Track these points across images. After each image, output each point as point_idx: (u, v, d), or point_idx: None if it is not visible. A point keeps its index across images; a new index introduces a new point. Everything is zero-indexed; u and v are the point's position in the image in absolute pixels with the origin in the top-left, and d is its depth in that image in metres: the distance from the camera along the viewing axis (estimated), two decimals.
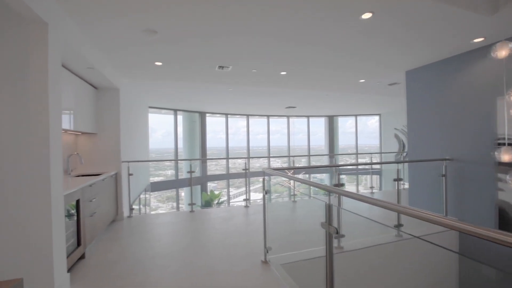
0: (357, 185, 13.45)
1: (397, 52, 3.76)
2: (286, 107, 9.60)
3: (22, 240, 1.94)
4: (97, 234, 3.30)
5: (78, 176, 3.74)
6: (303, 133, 13.13)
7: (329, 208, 1.67)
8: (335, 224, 2.86)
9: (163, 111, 10.02)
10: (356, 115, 12.58)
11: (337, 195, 2.94)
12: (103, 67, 3.54)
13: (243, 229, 3.85)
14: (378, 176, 12.47)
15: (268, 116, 12.18)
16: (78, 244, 2.75)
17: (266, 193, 2.77)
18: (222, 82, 5.18)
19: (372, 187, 7.32)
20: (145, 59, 3.72)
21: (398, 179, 3.45)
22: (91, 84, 4.06)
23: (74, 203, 2.69)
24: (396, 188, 3.45)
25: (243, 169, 5.13)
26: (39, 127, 2.00)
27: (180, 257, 2.91)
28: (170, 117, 10.10)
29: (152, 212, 11.37)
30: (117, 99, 4.34)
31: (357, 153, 12.64)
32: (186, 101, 8.17)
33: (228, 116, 11.32)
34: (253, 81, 5.23)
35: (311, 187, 9.96)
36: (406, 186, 6.96)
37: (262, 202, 3.00)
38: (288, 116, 12.50)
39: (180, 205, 10.23)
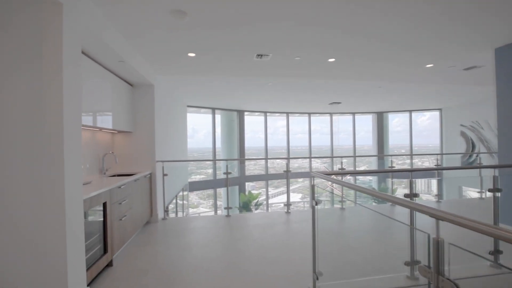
0: (411, 190, 11.88)
1: (483, 23, 2.87)
2: (330, 103, 8.79)
3: (31, 250, 1.70)
4: (129, 238, 3.09)
5: (112, 176, 3.62)
6: (344, 132, 12.05)
7: (437, 245, 1.06)
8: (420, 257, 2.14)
9: (202, 110, 10.00)
10: (410, 111, 11.09)
11: (409, 211, 2.23)
12: (132, 58, 3.34)
13: (285, 241, 3.32)
14: (437, 181, 10.81)
15: (309, 114, 11.43)
16: (105, 251, 2.53)
17: (316, 204, 2.21)
18: (261, 74, 4.71)
19: (437, 195, 6.16)
20: (176, 48, 3.44)
21: (494, 189, 2.58)
22: (126, 81, 3.93)
23: (100, 206, 2.46)
24: (492, 201, 2.58)
25: (284, 171, 4.60)
26: (51, 122, 1.74)
27: (210, 275, 2.51)
28: (209, 117, 10.03)
29: (192, 210, 11.50)
30: (152, 96, 4.17)
31: (411, 154, 11.14)
32: (223, 99, 7.93)
33: (267, 114, 10.87)
34: (295, 72, 4.66)
35: (357, 191, 9.01)
36: (485, 195, 5.68)
37: (303, 206, 2.43)
38: (331, 114, 11.58)
39: (218, 204, 10.10)
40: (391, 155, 9.91)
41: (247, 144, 10.58)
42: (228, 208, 4.36)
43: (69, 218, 1.78)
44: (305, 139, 11.90)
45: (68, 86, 1.83)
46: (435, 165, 6.51)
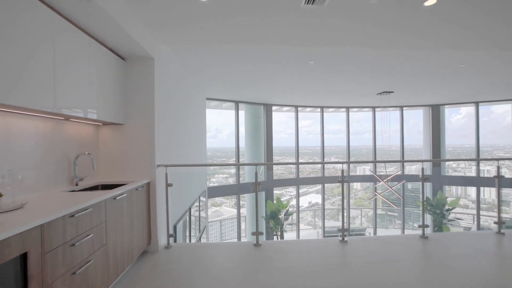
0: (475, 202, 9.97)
1: None
2: (379, 93, 7.14)
3: None
4: None
5: (88, 188, 2.44)
6: (384, 131, 10.17)
7: None
8: None
9: (224, 105, 8.81)
10: (477, 102, 9.02)
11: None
12: (114, 4, 2.11)
13: None
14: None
15: (347, 108, 9.78)
16: None
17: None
18: (308, 39, 3.29)
19: None
20: None
21: None
22: (115, 52, 2.75)
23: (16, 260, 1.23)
24: None
25: (339, 180, 3.16)
26: None
27: None
28: (232, 113, 8.81)
29: (214, 209, 10.38)
30: (152, 74, 2.95)
31: (478, 159, 9.06)
32: (248, 89, 6.63)
33: (298, 108, 9.41)
34: (367, 32, 3.20)
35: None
36: None
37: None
38: (373, 108, 9.83)
39: (241, 213, 8.83)
40: (458, 160, 7.97)
41: (275, 143, 9.21)
42: (257, 234, 3.02)
43: None
44: (338, 138, 10.27)
45: None
46: None
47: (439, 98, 8.68)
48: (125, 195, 2.30)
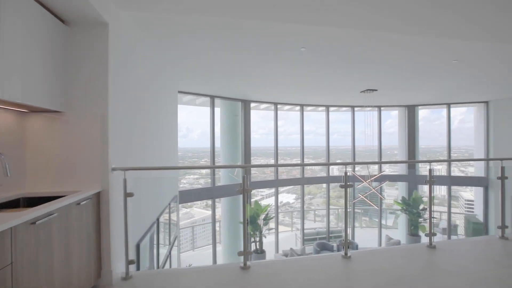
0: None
1: None
2: (363, 91, 6.90)
3: None
4: None
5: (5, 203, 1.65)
6: (339, 133, 10.14)
7: None
8: None
9: (198, 100, 8.03)
10: (448, 104, 9.29)
11: None
12: None
13: None
14: (483, 189, 9.03)
15: (327, 107, 9.53)
16: None
17: None
18: (302, 12, 2.75)
19: None
20: None
21: None
22: (52, 13, 1.95)
23: None
24: None
25: (341, 185, 2.66)
26: None
27: None
28: (206, 110, 8.06)
29: (183, 213, 9.51)
30: (104, 46, 2.19)
31: (449, 160, 9.34)
32: (226, 80, 5.96)
33: (278, 106, 8.93)
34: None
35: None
36: None
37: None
38: (353, 107, 9.70)
39: (217, 215, 8.11)
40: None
41: (252, 143, 8.63)
42: (245, 254, 2.40)
43: None
44: (308, 139, 10.01)
45: None
46: None
47: (415, 99, 8.77)
48: (54, 215, 1.54)
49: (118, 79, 2.37)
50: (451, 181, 9.48)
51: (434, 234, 2.93)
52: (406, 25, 3.02)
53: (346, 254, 2.64)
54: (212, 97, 7.34)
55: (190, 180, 10.67)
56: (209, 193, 7.34)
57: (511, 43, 3.49)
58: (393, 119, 12.22)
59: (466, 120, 11.40)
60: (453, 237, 9.39)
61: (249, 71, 5.24)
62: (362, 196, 6.79)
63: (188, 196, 6.86)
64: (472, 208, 10.40)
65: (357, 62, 4.50)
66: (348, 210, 10.70)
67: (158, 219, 3.83)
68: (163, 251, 4.37)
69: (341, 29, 3.21)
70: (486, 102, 8.89)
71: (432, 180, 2.99)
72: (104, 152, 2.14)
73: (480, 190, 9.22)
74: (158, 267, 3.71)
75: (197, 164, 10.30)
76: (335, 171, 11.14)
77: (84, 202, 1.87)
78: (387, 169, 10.04)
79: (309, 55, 4.10)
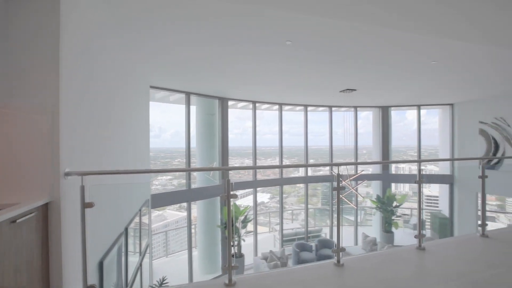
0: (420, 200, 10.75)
1: None
2: (342, 90, 6.89)
3: None
4: None
5: None
6: (311, 133, 10.31)
7: None
8: None
9: (172, 97, 7.52)
10: (419, 106, 9.71)
11: None
12: None
13: None
14: (448, 186, 9.57)
15: (305, 107, 9.48)
16: None
17: None
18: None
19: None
20: None
21: None
22: None
23: None
24: None
25: (335, 188, 2.46)
26: None
27: None
28: (180, 108, 7.58)
29: (155, 215, 8.91)
30: (55, 21, 1.76)
31: (419, 161, 9.77)
32: (203, 74, 5.57)
33: (256, 104, 8.69)
34: None
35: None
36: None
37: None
38: (330, 107, 9.76)
39: (191, 219, 7.65)
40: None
41: (230, 143, 8.29)
42: (230, 269, 2.09)
43: None
44: (285, 139, 9.95)
45: None
46: None
47: (389, 100, 9.03)
48: None
49: (75, 65, 1.95)
50: (421, 179, 9.92)
51: (423, 236, 2.86)
52: (398, 20, 2.92)
53: (338, 261, 2.44)
54: (188, 94, 6.88)
55: (162, 182, 10.06)
56: (185, 196, 6.88)
57: (500, 43, 3.57)
58: (362, 120, 12.77)
59: (425, 122, 12.33)
60: (423, 232, 9.83)
61: (229, 66, 4.92)
62: (341, 196, 6.78)
63: (162, 200, 6.35)
64: (437, 204, 11.04)
65: (341, 58, 4.38)
66: (328, 209, 10.93)
67: (126, 229, 3.38)
68: (134, 262, 3.90)
69: (328, 20, 3.03)
70: (452, 105, 9.43)
71: (422, 180, 2.91)
72: (54, 153, 1.72)
73: (446, 187, 9.76)
74: (127, 285, 3.26)
75: (173, 167, 9.72)
76: (309, 170, 11.22)
77: (24, 218, 1.45)
78: (363, 169, 10.28)
79: (294, 49, 3.89)
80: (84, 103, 2.18)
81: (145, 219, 4.91)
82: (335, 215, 11.66)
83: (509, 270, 2.34)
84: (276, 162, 11.07)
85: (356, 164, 9.68)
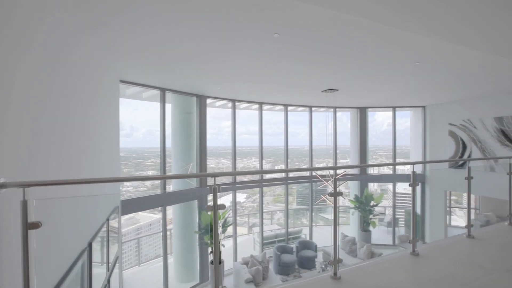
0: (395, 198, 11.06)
1: None
2: (324, 90, 6.81)
3: None
4: None
5: None
6: (290, 134, 10.34)
7: None
8: None
9: (145, 94, 6.95)
10: (394, 107, 10.01)
11: None
12: None
13: None
14: (420, 184, 9.98)
15: (285, 106, 9.34)
16: None
17: None
18: None
19: None
20: None
21: None
22: None
23: None
24: None
25: (331, 193, 2.24)
26: None
27: None
28: (153, 106, 7.04)
29: (126, 219, 8.23)
30: None
31: (394, 163, 10.08)
32: (180, 69, 5.15)
33: (236, 103, 8.36)
34: None
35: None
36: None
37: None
38: (310, 107, 9.71)
39: (168, 228, 7.14)
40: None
41: (209, 143, 7.88)
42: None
43: None
44: (253, 139, 9.79)
45: None
46: None
47: (367, 101, 9.18)
48: None
49: (13, 55, 1.52)
50: (389, 178, 10.26)
51: (417, 240, 2.76)
52: (394, 16, 2.78)
53: (335, 274, 2.23)
54: (163, 90, 6.38)
55: (134, 183, 9.40)
56: (159, 200, 6.37)
57: (495, 48, 3.60)
58: (331, 123, 13.10)
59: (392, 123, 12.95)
60: (397, 229, 10.17)
61: (208, 61, 4.56)
62: (324, 197, 6.72)
63: (133, 206, 5.80)
64: (408, 202, 11.51)
65: (327, 54, 4.21)
66: (303, 208, 10.96)
67: (90, 244, 2.90)
68: (100, 279, 3.41)
69: (317, 10, 2.83)
70: (424, 107, 9.84)
71: (416, 183, 2.81)
72: None
73: (418, 185, 10.18)
74: None
75: (146, 167, 9.07)
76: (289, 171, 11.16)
77: None
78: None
79: (281, 44, 3.64)
80: (29, 95, 1.74)
81: (114, 228, 4.39)
82: (319, 215, 11.72)
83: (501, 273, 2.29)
84: (252, 162, 10.87)
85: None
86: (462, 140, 8.47)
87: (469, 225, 3.24)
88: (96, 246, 3.21)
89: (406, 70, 5.09)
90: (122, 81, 5.38)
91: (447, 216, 9.31)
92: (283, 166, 9.84)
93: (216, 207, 1.77)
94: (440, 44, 3.81)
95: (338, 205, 2.32)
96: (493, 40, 3.52)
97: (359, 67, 4.96)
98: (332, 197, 2.24)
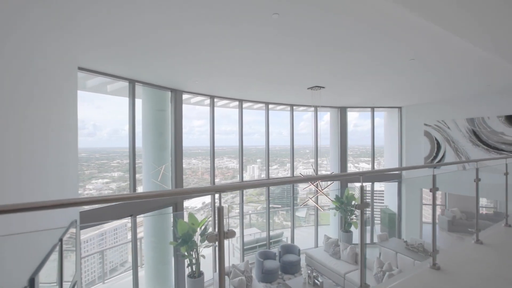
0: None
1: None
2: (310, 88, 6.47)
3: None
4: None
5: None
6: (259, 133, 10.07)
7: None
8: None
9: (110, 87, 6.05)
10: (373, 108, 10.08)
11: None
12: None
13: None
14: (397, 184, 10.19)
15: (266, 104, 8.90)
16: None
17: None
18: None
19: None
20: None
21: None
22: None
23: None
24: None
25: (357, 205, 1.83)
26: None
27: None
28: (121, 100, 6.16)
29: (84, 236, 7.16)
30: None
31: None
32: (153, 56, 4.43)
33: (215, 99, 7.72)
34: None
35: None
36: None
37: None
38: (291, 105, 9.38)
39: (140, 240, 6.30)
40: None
41: (185, 143, 7.15)
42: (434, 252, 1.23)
43: None
44: (230, 138, 9.35)
45: None
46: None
47: (347, 101, 9.09)
48: None
49: None
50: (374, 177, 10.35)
51: (437, 252, 2.45)
52: None
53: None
54: (132, 82, 5.57)
55: (98, 185, 8.35)
56: (128, 209, 5.55)
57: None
58: (305, 122, 13.12)
59: (358, 124, 13.31)
60: (371, 227, 10.27)
61: (185, 50, 3.93)
62: (310, 199, 6.39)
63: (96, 216, 4.93)
64: (382, 200, 11.77)
65: (325, 43, 3.82)
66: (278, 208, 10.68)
67: (33, 280, 2.16)
68: None
69: None
70: (400, 108, 10.04)
71: (436, 188, 2.50)
72: None
73: (394, 185, 10.38)
74: None
75: (111, 168, 8.05)
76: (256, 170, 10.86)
77: None
78: (323, 171, 10.24)
79: (278, 28, 3.15)
80: None
81: (70, 248, 3.58)
82: (298, 215, 11.48)
83: None
84: (224, 162, 10.35)
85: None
86: (436, 140, 8.72)
87: (477, 230, 3.05)
88: (43, 279, 2.45)
89: (398, 67, 4.91)
90: (81, 69, 4.51)
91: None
92: (262, 166, 9.41)
93: (222, 235, 1.22)
94: (435, 41, 3.62)
95: (364, 219, 1.88)
96: (494, 36, 3.38)
97: (349, 62, 4.66)
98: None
